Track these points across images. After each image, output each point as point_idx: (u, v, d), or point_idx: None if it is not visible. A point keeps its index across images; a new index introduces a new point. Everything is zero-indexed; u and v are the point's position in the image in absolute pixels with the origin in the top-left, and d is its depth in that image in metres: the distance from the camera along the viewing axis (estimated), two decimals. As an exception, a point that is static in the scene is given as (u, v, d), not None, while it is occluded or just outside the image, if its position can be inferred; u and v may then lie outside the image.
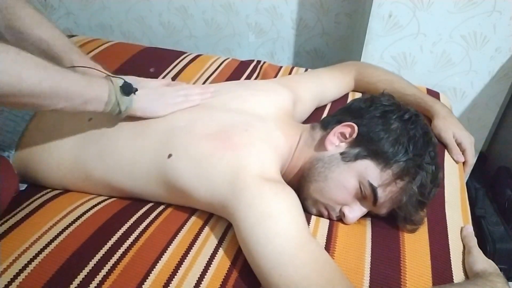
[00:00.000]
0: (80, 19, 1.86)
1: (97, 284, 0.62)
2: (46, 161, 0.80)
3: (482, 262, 0.71)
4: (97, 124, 0.80)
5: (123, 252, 0.67)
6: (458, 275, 0.70)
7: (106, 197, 0.81)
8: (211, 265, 0.67)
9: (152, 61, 1.27)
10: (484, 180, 1.53)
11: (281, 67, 1.30)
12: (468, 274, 0.70)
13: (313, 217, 0.78)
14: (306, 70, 1.26)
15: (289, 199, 0.68)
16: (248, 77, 1.24)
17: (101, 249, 0.67)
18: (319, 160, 0.78)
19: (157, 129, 0.78)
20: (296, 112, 0.96)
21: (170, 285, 0.63)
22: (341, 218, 0.78)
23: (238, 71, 1.26)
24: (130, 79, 0.77)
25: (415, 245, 0.74)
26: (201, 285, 0.64)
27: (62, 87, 0.64)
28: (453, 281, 0.69)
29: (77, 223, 0.72)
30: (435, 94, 1.19)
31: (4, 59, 0.57)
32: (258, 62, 1.32)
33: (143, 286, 0.63)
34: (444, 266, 0.71)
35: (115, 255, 0.67)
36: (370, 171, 0.73)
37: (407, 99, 1.03)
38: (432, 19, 1.29)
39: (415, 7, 1.28)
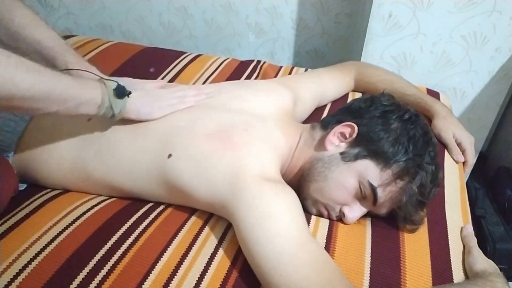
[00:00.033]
0: (80, 19, 1.86)
1: (97, 284, 0.62)
2: (46, 161, 0.80)
3: (482, 262, 0.71)
4: (96, 124, 0.80)
5: (123, 252, 0.67)
6: (458, 275, 0.70)
7: (106, 197, 0.81)
8: (211, 265, 0.67)
9: (152, 61, 1.27)
10: (484, 180, 1.53)
11: (281, 67, 1.30)
12: (468, 274, 0.70)
13: (313, 217, 0.78)
14: (306, 70, 1.26)
15: (289, 199, 0.68)
16: (248, 77, 1.24)
17: (101, 249, 0.67)
18: (319, 160, 0.78)
19: (157, 129, 0.78)
20: (296, 112, 0.96)
21: (170, 285, 0.63)
22: (341, 218, 0.78)
23: (238, 71, 1.26)
24: (125, 81, 0.77)
25: (415, 245, 0.74)
26: (201, 285, 0.64)
27: (54, 91, 0.64)
28: (453, 281, 0.69)
29: (77, 223, 0.72)
30: (435, 94, 1.19)
31: None
32: (258, 62, 1.32)
33: (143, 286, 0.63)
34: (444, 266, 0.71)
35: (115, 255, 0.67)
36: (370, 171, 0.73)
37: (407, 99, 1.03)
38: (432, 19, 1.29)
39: (415, 7, 1.28)
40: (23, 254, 0.65)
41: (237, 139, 0.74)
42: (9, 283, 0.61)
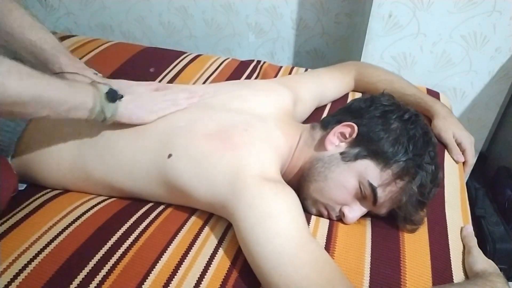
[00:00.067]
0: (80, 19, 1.86)
1: (97, 284, 0.62)
2: (46, 161, 0.80)
3: (482, 262, 0.71)
4: (96, 124, 0.80)
5: (123, 252, 0.67)
6: (458, 275, 0.70)
7: (106, 197, 0.81)
8: (211, 265, 0.67)
9: (152, 61, 1.27)
10: (484, 180, 1.53)
11: (281, 67, 1.30)
12: (468, 274, 0.70)
13: (313, 217, 0.78)
14: (306, 70, 1.26)
15: (289, 199, 0.68)
16: (248, 77, 1.24)
17: (101, 249, 0.67)
18: (319, 160, 0.78)
19: (157, 129, 0.78)
20: (296, 112, 0.96)
21: (170, 285, 0.63)
22: (341, 218, 0.78)
23: (238, 71, 1.26)
24: (118, 84, 0.77)
25: (415, 245, 0.74)
26: (201, 285, 0.64)
27: (45, 96, 0.63)
28: (453, 281, 0.69)
29: (77, 223, 0.72)
30: (435, 94, 1.19)
31: None
32: (258, 62, 1.32)
33: (143, 286, 0.63)
34: (444, 266, 0.71)
35: (115, 255, 0.67)
36: (370, 171, 0.73)
37: (407, 99, 1.03)
38: (432, 19, 1.29)
39: (415, 7, 1.28)
40: (23, 254, 0.65)
41: (237, 139, 0.74)
42: (9, 283, 0.61)
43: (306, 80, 1.07)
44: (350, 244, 0.73)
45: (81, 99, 0.69)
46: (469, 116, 1.48)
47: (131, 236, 0.70)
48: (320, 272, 0.61)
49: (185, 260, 0.67)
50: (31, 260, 0.64)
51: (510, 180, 1.42)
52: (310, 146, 0.82)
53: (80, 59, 1.12)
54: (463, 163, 0.99)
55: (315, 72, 1.13)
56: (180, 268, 0.66)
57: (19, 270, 0.63)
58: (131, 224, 0.73)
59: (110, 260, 0.66)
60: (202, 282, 0.64)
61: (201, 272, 0.66)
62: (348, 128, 0.78)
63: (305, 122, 1.02)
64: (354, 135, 0.77)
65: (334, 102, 1.12)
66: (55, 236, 0.69)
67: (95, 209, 0.76)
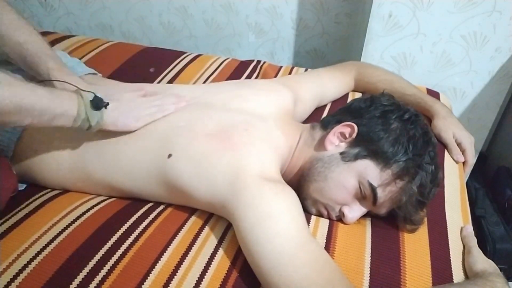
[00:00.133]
0: (80, 19, 1.86)
1: (97, 284, 0.62)
2: (46, 161, 0.80)
3: (482, 262, 0.70)
4: None
5: (122, 252, 0.67)
6: (458, 275, 0.70)
7: (106, 197, 0.81)
8: (211, 265, 0.67)
9: (152, 61, 1.27)
10: (484, 180, 1.53)
11: (281, 67, 1.30)
12: (468, 274, 0.70)
13: (313, 217, 0.78)
14: (306, 70, 1.26)
15: (289, 199, 0.68)
16: (248, 77, 1.24)
17: (101, 249, 0.67)
18: (319, 160, 0.78)
19: (157, 129, 0.78)
20: (296, 112, 0.96)
21: (170, 285, 0.63)
22: (340, 218, 0.78)
23: (238, 71, 1.26)
24: (103, 90, 0.76)
25: (415, 245, 0.74)
26: (201, 285, 0.64)
27: (26, 104, 0.63)
28: (453, 281, 0.69)
29: (76, 223, 0.72)
30: (435, 94, 1.19)
31: None
32: (258, 62, 1.32)
33: (142, 286, 0.63)
34: (444, 266, 0.71)
35: (114, 255, 0.67)
36: (369, 171, 0.73)
37: (407, 99, 1.03)
38: (432, 19, 1.29)
39: (415, 7, 1.28)
40: (23, 254, 0.65)
41: (237, 139, 0.74)
42: (9, 283, 0.61)
43: (306, 80, 1.06)
44: (350, 244, 0.73)
45: (65, 108, 0.68)
46: (469, 116, 1.48)
47: (131, 236, 0.70)
48: (320, 272, 0.61)
49: (185, 260, 0.67)
50: (31, 260, 0.64)
51: (510, 180, 1.42)
52: (310, 146, 0.82)
53: (80, 59, 1.13)
54: (463, 163, 0.99)
55: (315, 72, 1.13)
56: (180, 268, 0.66)
57: (19, 270, 0.63)
58: (131, 224, 0.73)
59: (110, 260, 0.66)
60: (202, 282, 0.64)
61: (201, 272, 0.66)
62: (348, 128, 0.78)
63: (305, 122, 1.02)
64: (354, 135, 0.77)
65: (334, 102, 1.12)
66: (55, 236, 0.69)
67: (95, 209, 0.76)
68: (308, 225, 0.74)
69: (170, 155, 0.73)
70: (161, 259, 0.67)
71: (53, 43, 1.28)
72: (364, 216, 0.78)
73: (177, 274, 0.65)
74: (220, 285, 0.64)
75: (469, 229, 0.79)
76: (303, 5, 1.65)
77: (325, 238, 0.74)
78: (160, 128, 0.78)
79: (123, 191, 0.80)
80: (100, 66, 1.11)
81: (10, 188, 0.75)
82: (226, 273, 0.66)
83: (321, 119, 0.89)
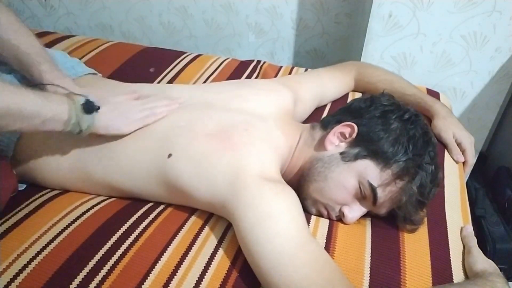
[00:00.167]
0: (80, 19, 1.86)
1: (97, 284, 0.62)
2: (46, 161, 0.80)
3: (482, 262, 0.70)
4: None
5: (122, 252, 0.67)
6: (458, 275, 0.70)
7: (106, 197, 0.81)
8: (211, 265, 0.67)
9: (152, 61, 1.27)
10: (484, 180, 1.53)
11: (281, 67, 1.30)
12: (468, 274, 0.70)
13: (313, 217, 0.78)
14: (306, 70, 1.26)
15: (289, 199, 0.68)
16: (248, 77, 1.24)
17: (101, 249, 0.67)
18: (318, 160, 0.78)
19: (157, 129, 0.78)
20: (296, 112, 0.96)
21: (170, 285, 0.63)
22: (340, 218, 0.78)
23: (238, 71, 1.26)
24: (95, 94, 0.75)
25: (415, 245, 0.74)
26: (201, 285, 0.64)
27: (15, 109, 0.62)
28: (453, 281, 0.69)
29: (76, 223, 0.72)
30: (435, 94, 1.19)
31: None
32: (258, 62, 1.32)
33: (142, 286, 0.63)
34: (444, 266, 0.71)
35: (114, 255, 0.67)
36: (369, 171, 0.73)
37: (407, 99, 1.03)
38: (432, 19, 1.29)
39: (415, 7, 1.28)
40: (23, 254, 0.65)
41: (237, 139, 0.74)
42: (9, 283, 0.61)
43: (307, 80, 1.06)
44: (350, 244, 0.73)
45: (55, 112, 0.68)
46: (469, 116, 1.48)
47: (131, 236, 0.70)
48: (320, 272, 0.61)
49: (185, 260, 0.67)
50: (31, 260, 0.64)
51: (510, 180, 1.42)
52: (310, 146, 0.82)
53: (80, 59, 1.13)
54: (463, 163, 0.99)
55: (315, 72, 1.13)
56: (180, 268, 0.66)
57: (19, 270, 0.63)
58: (131, 224, 0.73)
59: (110, 260, 0.66)
60: (202, 282, 0.64)
61: (201, 272, 0.66)
62: (348, 128, 0.78)
63: (305, 122, 1.02)
64: (354, 135, 0.77)
65: (334, 102, 1.12)
66: (55, 236, 0.69)
67: (95, 209, 0.76)
68: (308, 225, 0.74)
69: (170, 155, 0.73)
70: (161, 259, 0.67)
71: (53, 43, 1.29)
72: (364, 216, 0.78)
73: (177, 274, 0.65)
74: (220, 285, 0.64)
75: (469, 229, 0.79)
76: (303, 5, 1.65)
77: (325, 238, 0.73)
78: (160, 128, 0.78)
79: (123, 191, 0.80)
80: (100, 66, 1.11)
81: (10, 188, 0.75)
82: (226, 273, 0.66)
83: (321, 119, 0.89)
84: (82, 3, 1.81)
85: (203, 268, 0.66)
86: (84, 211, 0.75)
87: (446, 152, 0.99)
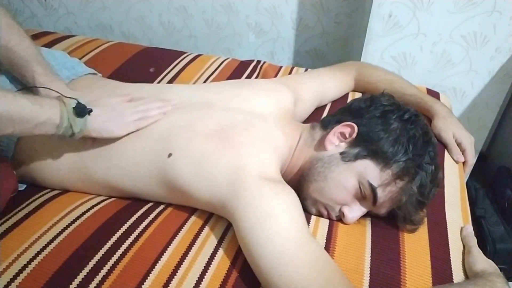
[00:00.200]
0: (80, 19, 1.86)
1: (97, 284, 0.62)
2: (46, 161, 0.80)
3: (482, 262, 0.70)
4: None
5: (122, 252, 0.67)
6: (458, 275, 0.70)
7: (105, 197, 0.81)
8: (211, 265, 0.67)
9: (152, 61, 1.27)
10: (484, 180, 1.53)
11: (281, 67, 1.30)
12: (468, 274, 0.70)
13: (313, 217, 0.78)
14: (306, 70, 1.26)
15: (289, 199, 0.68)
16: (248, 77, 1.24)
17: (101, 249, 0.67)
18: (318, 160, 0.78)
19: (157, 129, 0.78)
20: (296, 112, 0.96)
21: (170, 285, 0.63)
22: (340, 218, 0.78)
23: (238, 71, 1.26)
24: (88, 96, 0.75)
25: (415, 245, 0.74)
26: (201, 285, 0.64)
27: (5, 114, 0.63)
28: (453, 281, 0.69)
29: (76, 223, 0.72)
30: (435, 94, 1.19)
31: None
32: (258, 62, 1.32)
33: (142, 286, 0.63)
34: (444, 266, 0.71)
35: (114, 255, 0.67)
36: (369, 171, 0.73)
37: (407, 99, 1.02)
38: (432, 19, 1.29)
39: (415, 7, 1.28)
40: (23, 254, 0.65)
41: (237, 138, 0.74)
42: (9, 283, 0.61)
43: (307, 80, 1.06)
44: (350, 244, 0.73)
45: (47, 115, 0.68)
46: (469, 116, 1.48)
47: (131, 236, 0.70)
48: (320, 272, 0.61)
49: (185, 260, 0.67)
50: (31, 260, 0.64)
51: (510, 180, 1.42)
52: (310, 146, 0.82)
53: (80, 59, 1.13)
54: (463, 163, 0.99)
55: (315, 72, 1.13)
56: (180, 268, 0.66)
57: (19, 270, 0.63)
58: (131, 224, 0.73)
59: (110, 260, 0.66)
60: (202, 282, 0.64)
61: (201, 272, 0.66)
62: (348, 128, 0.78)
63: (305, 122, 1.01)
64: (354, 135, 0.77)
65: (334, 102, 1.12)
66: (55, 236, 0.69)
67: (95, 209, 0.76)
68: (308, 225, 0.74)
69: (170, 155, 0.73)
70: (161, 259, 0.67)
71: (53, 43, 1.28)
72: (364, 216, 0.78)
73: (177, 274, 0.65)
74: (220, 285, 0.64)
75: (469, 229, 0.79)
76: (303, 5, 1.65)
77: (325, 238, 0.74)
78: (160, 128, 0.78)
79: (123, 191, 0.80)
80: (100, 66, 1.11)
81: (10, 188, 0.75)
82: (226, 273, 0.66)
83: (321, 119, 0.89)
84: (82, 3, 1.81)
85: (203, 268, 0.66)
86: (84, 211, 0.75)
87: (446, 152, 0.99)
